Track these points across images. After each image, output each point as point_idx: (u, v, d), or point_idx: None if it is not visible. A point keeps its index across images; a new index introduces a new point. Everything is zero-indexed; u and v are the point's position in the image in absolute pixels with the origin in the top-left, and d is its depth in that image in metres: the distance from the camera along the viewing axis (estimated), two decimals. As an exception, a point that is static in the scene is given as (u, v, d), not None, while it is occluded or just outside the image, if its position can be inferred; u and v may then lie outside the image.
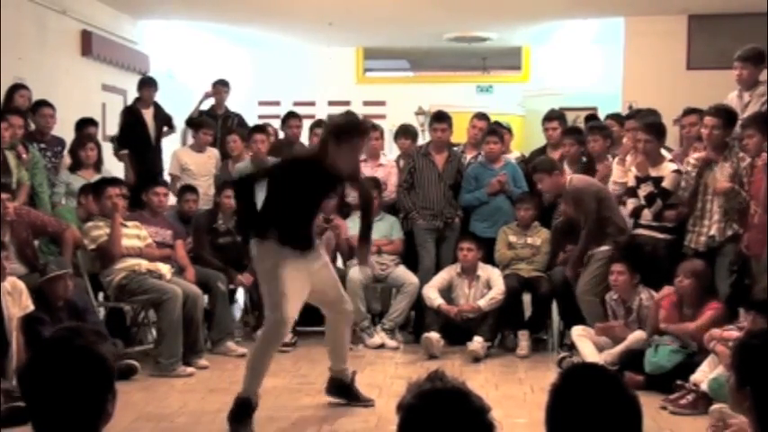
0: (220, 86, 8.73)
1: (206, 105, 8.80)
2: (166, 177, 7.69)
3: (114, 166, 7.69)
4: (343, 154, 4.45)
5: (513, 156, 7.59)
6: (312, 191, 4.53)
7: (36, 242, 5.83)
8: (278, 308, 4.41)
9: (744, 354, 2.13)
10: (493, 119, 7.76)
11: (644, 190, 5.95)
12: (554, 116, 7.40)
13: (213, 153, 7.82)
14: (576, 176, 6.19)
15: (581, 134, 6.98)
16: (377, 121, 8.39)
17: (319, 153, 4.58)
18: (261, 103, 11.32)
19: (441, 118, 7.08)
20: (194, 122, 8.24)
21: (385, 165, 7.32)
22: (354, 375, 5.02)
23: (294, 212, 4.51)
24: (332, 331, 4.97)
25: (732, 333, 4.73)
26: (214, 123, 8.22)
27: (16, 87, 6.64)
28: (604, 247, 5.99)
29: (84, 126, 7.21)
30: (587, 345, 5.67)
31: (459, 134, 7.57)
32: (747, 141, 5.60)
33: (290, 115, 8.13)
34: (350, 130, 4.46)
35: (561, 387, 1.88)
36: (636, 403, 1.86)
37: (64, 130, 7.05)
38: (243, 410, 4.39)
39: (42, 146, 6.65)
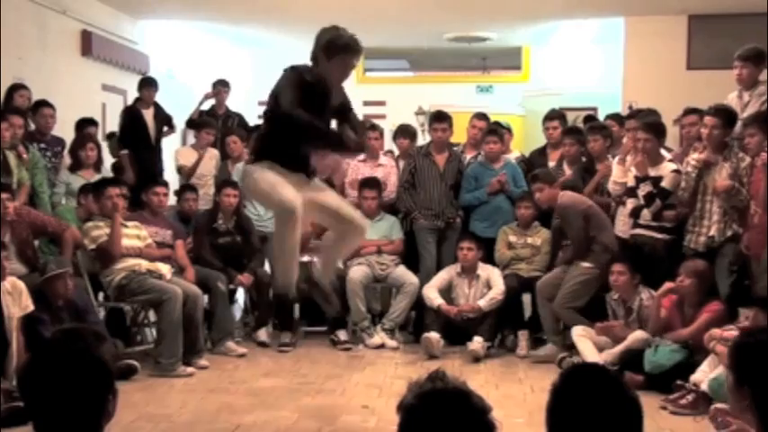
0: (221, 87, 8.73)
1: (206, 106, 8.80)
2: (167, 177, 7.68)
3: (108, 162, 7.71)
4: (333, 70, 4.31)
5: (513, 156, 7.59)
6: (311, 105, 4.24)
7: (36, 242, 5.83)
8: (281, 202, 4.17)
9: (740, 352, 2.13)
10: (493, 119, 7.76)
11: (643, 190, 5.95)
12: (554, 116, 7.40)
13: (213, 153, 7.83)
14: (566, 194, 6.19)
15: (581, 134, 6.98)
16: (377, 121, 8.39)
17: (312, 67, 4.37)
18: (261, 103, 11.26)
19: (441, 118, 7.08)
20: (196, 123, 8.23)
21: (385, 165, 7.32)
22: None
23: (296, 131, 4.23)
24: (337, 235, 4.64)
25: (732, 333, 4.72)
26: (215, 123, 8.22)
27: (16, 87, 6.64)
28: (586, 264, 6.03)
29: (84, 126, 7.22)
30: (587, 345, 5.67)
31: (459, 134, 7.57)
32: (749, 140, 5.61)
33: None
34: (342, 47, 4.34)
35: (562, 387, 1.88)
36: (636, 403, 1.86)
37: (64, 130, 7.05)
38: (283, 305, 4.32)
39: (42, 146, 6.65)
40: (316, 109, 4.20)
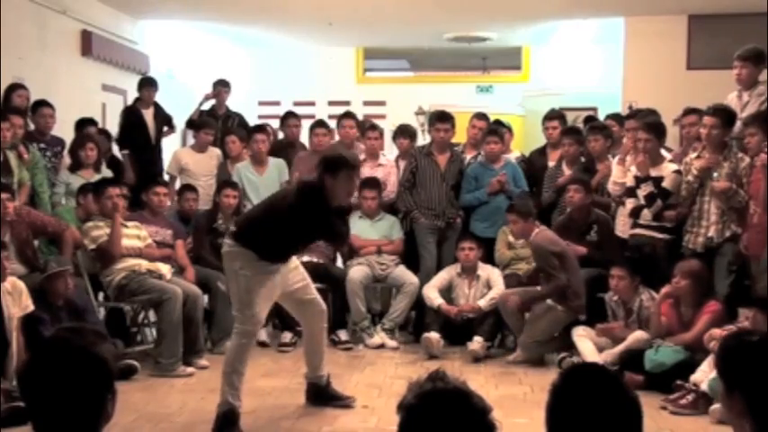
0: (221, 87, 8.72)
1: (207, 106, 8.80)
2: (165, 177, 7.68)
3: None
4: (339, 184, 4.51)
5: (513, 155, 7.58)
6: (313, 223, 4.52)
7: (36, 242, 5.82)
8: (248, 311, 4.45)
9: (726, 357, 2.07)
10: (493, 119, 7.76)
11: (644, 190, 5.95)
12: (554, 115, 7.41)
13: (215, 153, 7.81)
14: (541, 233, 6.12)
15: (580, 134, 6.99)
16: (377, 121, 8.40)
17: (319, 184, 4.57)
18: (261, 103, 11.32)
19: (444, 118, 7.06)
20: (195, 123, 8.22)
21: (385, 165, 7.32)
22: (329, 378, 5.02)
23: (290, 240, 4.60)
24: (309, 337, 5.02)
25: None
26: (215, 123, 8.21)
27: (14, 87, 6.60)
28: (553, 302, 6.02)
29: (84, 126, 7.21)
30: (587, 345, 5.67)
31: (459, 134, 7.57)
32: (749, 140, 5.61)
33: (289, 115, 8.12)
34: (343, 162, 4.57)
35: (562, 387, 1.87)
36: (636, 403, 1.85)
37: (64, 130, 7.05)
38: (229, 421, 4.39)
39: (42, 146, 6.65)
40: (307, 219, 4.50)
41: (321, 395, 4.95)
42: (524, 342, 6.05)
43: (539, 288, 6.16)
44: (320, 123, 7.64)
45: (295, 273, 4.77)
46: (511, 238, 6.69)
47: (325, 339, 5.14)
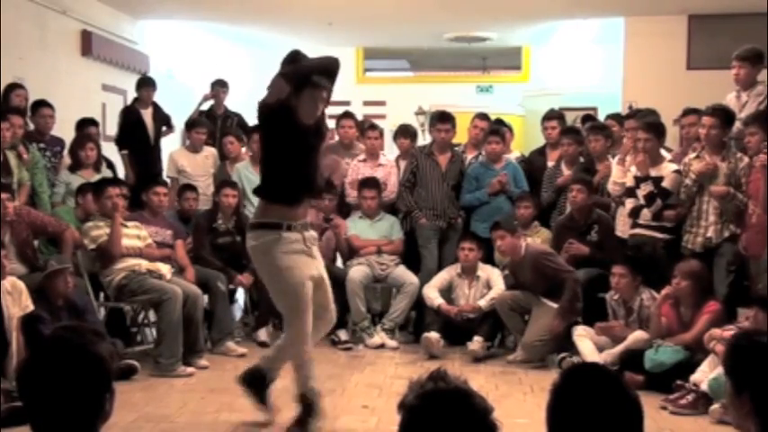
0: (219, 87, 8.72)
1: (205, 106, 8.79)
2: (165, 180, 7.66)
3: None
4: (302, 103, 4.21)
5: (514, 155, 7.58)
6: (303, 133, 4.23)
7: (36, 242, 5.82)
8: (296, 290, 4.25)
9: (735, 357, 2.07)
10: (493, 119, 7.76)
11: (644, 190, 5.95)
12: (553, 115, 7.41)
13: (211, 152, 7.80)
14: (532, 245, 6.23)
15: (579, 134, 6.99)
16: (377, 121, 8.39)
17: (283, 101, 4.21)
18: (261, 103, 11.29)
19: (445, 119, 7.06)
20: (187, 123, 8.19)
21: (385, 165, 7.32)
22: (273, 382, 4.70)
23: (299, 157, 4.26)
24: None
25: (732, 333, 4.73)
26: (208, 122, 8.19)
27: (12, 87, 6.58)
28: (552, 304, 6.01)
29: (85, 126, 7.21)
30: (587, 344, 5.67)
31: (459, 134, 7.57)
32: (749, 139, 5.61)
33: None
34: (307, 80, 4.25)
35: (563, 387, 1.87)
36: (637, 403, 1.85)
37: (64, 130, 7.04)
38: (308, 411, 4.36)
39: (42, 146, 6.64)
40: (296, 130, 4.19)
41: (257, 385, 4.64)
42: (526, 342, 6.04)
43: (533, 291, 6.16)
44: (348, 115, 7.62)
45: (321, 280, 4.54)
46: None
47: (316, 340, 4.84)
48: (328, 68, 4.43)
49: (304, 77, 4.24)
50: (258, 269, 4.54)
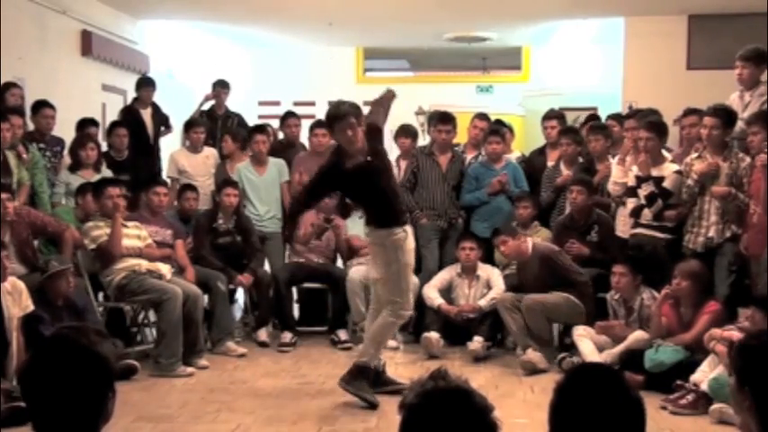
0: (220, 88, 8.71)
1: (206, 106, 8.79)
2: (164, 180, 7.65)
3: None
4: (337, 137, 4.96)
5: (514, 155, 7.58)
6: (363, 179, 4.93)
7: (36, 242, 5.82)
8: (405, 297, 5.02)
9: (743, 354, 2.12)
10: (493, 119, 7.76)
11: (645, 190, 5.94)
12: (553, 115, 7.41)
13: (211, 152, 7.79)
14: (538, 243, 6.22)
15: (578, 134, 6.99)
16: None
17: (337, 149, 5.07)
18: (261, 103, 11.31)
19: (446, 119, 7.05)
20: (186, 123, 8.18)
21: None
22: (385, 365, 5.25)
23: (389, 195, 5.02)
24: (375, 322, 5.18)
25: (732, 333, 4.73)
26: (206, 122, 8.19)
27: (7, 86, 6.52)
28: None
29: (85, 126, 7.20)
30: (588, 344, 5.66)
31: (459, 134, 7.56)
32: (752, 138, 5.61)
33: (289, 115, 8.10)
34: (332, 116, 4.93)
35: (566, 387, 1.87)
36: (640, 404, 1.86)
37: (64, 130, 7.03)
38: (361, 375, 4.83)
39: (42, 146, 6.63)
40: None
41: (376, 380, 5.08)
42: (533, 308, 5.95)
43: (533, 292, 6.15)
44: (320, 123, 7.60)
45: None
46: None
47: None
48: None
49: None
50: (389, 256, 5.01)
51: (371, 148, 4.91)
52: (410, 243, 5.06)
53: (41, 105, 6.69)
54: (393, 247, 4.94)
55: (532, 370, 5.73)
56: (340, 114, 4.90)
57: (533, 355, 5.79)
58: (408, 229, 5.08)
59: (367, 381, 4.91)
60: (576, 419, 1.83)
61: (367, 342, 5.10)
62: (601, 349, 5.60)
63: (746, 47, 6.24)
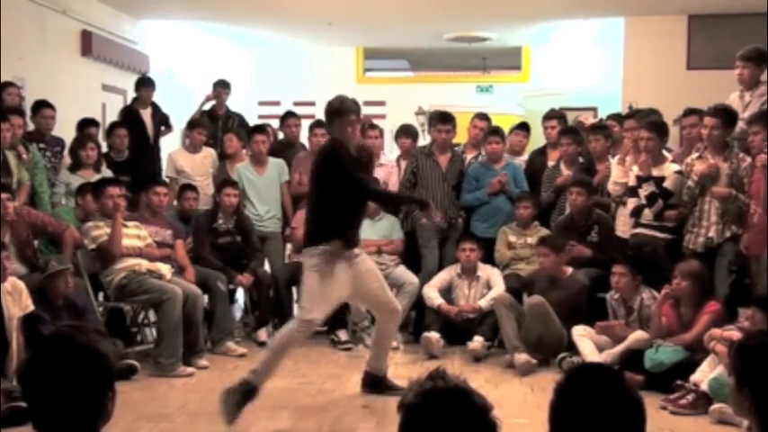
0: (220, 88, 8.71)
1: (207, 106, 8.79)
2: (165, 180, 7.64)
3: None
4: (337, 132, 4.94)
5: (524, 158, 7.48)
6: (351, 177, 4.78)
7: (36, 242, 5.82)
8: (311, 311, 4.72)
9: (742, 355, 2.13)
10: (493, 119, 7.75)
11: (645, 190, 5.94)
12: (553, 115, 7.41)
13: (210, 153, 7.78)
14: (578, 274, 6.15)
15: (578, 134, 6.99)
16: (377, 121, 8.39)
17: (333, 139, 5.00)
18: (261, 103, 11.32)
19: (446, 119, 7.04)
20: (188, 123, 8.19)
21: (385, 165, 7.31)
22: (387, 370, 5.26)
23: (349, 204, 4.84)
24: (378, 333, 5.26)
25: (732, 333, 4.73)
26: (209, 124, 8.19)
27: (4, 86, 6.50)
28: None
29: (85, 126, 7.20)
30: (587, 344, 5.66)
31: (459, 134, 7.56)
32: (753, 138, 5.61)
33: (288, 115, 8.11)
34: (334, 111, 4.96)
35: (567, 387, 1.87)
36: (640, 404, 1.86)
37: (64, 130, 7.04)
38: (245, 396, 4.53)
39: (42, 146, 6.63)
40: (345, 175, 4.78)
41: (378, 385, 5.16)
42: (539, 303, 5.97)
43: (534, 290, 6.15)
44: (320, 123, 7.60)
45: (369, 274, 5.00)
46: (511, 238, 6.70)
47: (392, 338, 5.51)
48: None
49: None
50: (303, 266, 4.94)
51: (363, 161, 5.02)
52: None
53: (41, 105, 6.69)
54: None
55: (530, 370, 5.73)
56: (343, 110, 4.90)
57: (521, 356, 5.79)
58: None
59: (245, 403, 4.54)
60: (576, 419, 1.83)
61: (262, 358, 4.84)
62: (601, 349, 5.60)
63: (746, 47, 6.24)
